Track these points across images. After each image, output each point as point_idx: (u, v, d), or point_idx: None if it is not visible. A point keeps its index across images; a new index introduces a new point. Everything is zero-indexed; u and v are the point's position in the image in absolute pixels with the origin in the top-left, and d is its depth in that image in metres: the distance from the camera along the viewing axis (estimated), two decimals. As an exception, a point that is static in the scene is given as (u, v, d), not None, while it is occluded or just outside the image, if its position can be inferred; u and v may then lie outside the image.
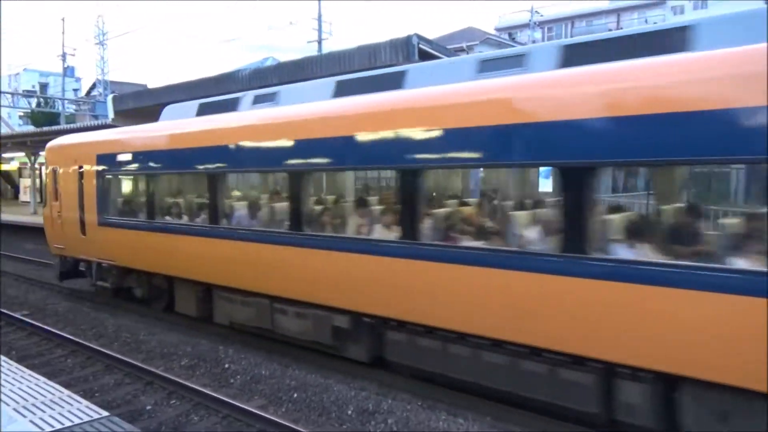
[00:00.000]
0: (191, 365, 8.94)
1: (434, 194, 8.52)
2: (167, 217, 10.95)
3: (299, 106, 8.68)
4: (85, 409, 5.23)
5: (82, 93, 54.25)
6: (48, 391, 5.64)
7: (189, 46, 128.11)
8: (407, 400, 7.37)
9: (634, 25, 47.01)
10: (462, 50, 26.34)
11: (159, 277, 11.30)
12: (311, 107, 8.46)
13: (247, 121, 9.37)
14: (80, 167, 12.65)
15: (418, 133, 6.97)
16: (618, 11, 54.23)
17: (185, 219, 10.83)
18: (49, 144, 14.29)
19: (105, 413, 5.24)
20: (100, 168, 12.05)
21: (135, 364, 8.68)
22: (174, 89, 16.96)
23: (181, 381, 7.94)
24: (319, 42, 35.76)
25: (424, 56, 11.96)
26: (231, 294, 9.63)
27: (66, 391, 5.73)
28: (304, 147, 8.20)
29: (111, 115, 19.67)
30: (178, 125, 10.70)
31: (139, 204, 11.70)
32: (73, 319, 11.90)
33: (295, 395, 7.62)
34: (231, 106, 10.19)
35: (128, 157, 11.36)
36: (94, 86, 51.55)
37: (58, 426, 4.82)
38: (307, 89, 9.20)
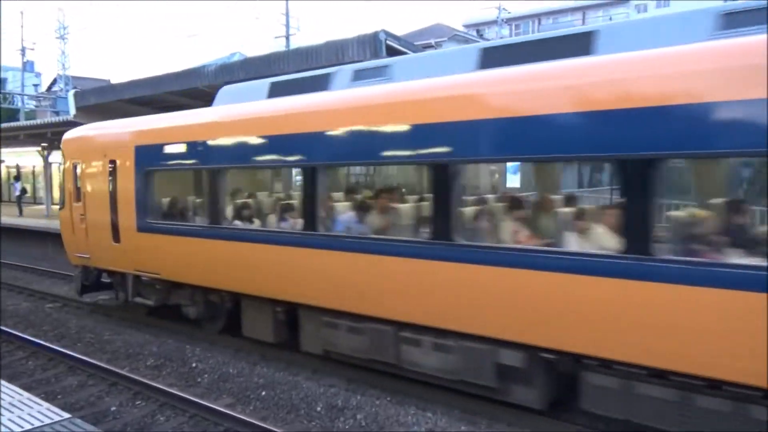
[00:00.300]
0: (157, 365, 8.80)
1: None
2: (237, 222, 9.00)
3: (436, 81, 6.85)
4: (46, 411, 5.13)
5: (43, 88, 52.78)
6: (7, 394, 5.51)
7: (154, 40, 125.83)
8: (376, 396, 7.40)
9: (599, 22, 47.88)
10: (430, 46, 26.45)
11: (218, 294, 9.44)
12: (455, 81, 6.68)
13: (364, 101, 7.41)
14: (112, 162, 10.56)
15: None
16: (583, 9, 55.19)
17: (263, 223, 9.00)
18: (68, 135, 12.04)
19: (67, 415, 5.15)
20: (141, 162, 10.01)
21: (99, 365, 8.51)
22: (137, 85, 16.62)
23: (146, 381, 7.81)
24: (287, 38, 35.50)
25: (392, 52, 11.96)
26: (331, 317, 7.76)
27: (26, 394, 5.61)
28: (455, 132, 6.36)
29: (72, 111, 19.18)
30: (251, 109, 8.73)
31: (195, 205, 9.87)
32: (35, 321, 11.60)
33: (264, 393, 7.58)
34: (319, 84, 8.32)
35: (181, 148, 9.32)
36: (55, 81, 50.29)
37: (17, 429, 4.71)
38: (434, 61, 7.60)
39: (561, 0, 57.24)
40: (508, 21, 52.65)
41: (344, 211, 8.12)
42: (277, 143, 8.08)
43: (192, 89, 14.80)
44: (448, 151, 6.45)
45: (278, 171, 9.70)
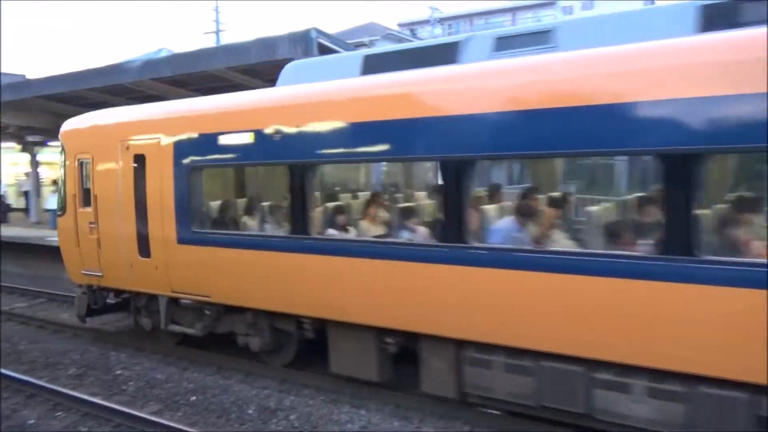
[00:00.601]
0: (79, 374, 8.42)
1: None
2: (331, 230, 7.35)
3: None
4: (-49, 429, 4.81)
5: (-47, 84, 49.40)
6: None
7: (76, 34, 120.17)
8: (310, 396, 7.36)
9: (528, 23, 49.40)
10: (363, 45, 26.50)
11: (289, 320, 7.65)
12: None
13: (559, 72, 5.55)
14: (138, 157, 8.52)
15: None
16: (513, 10, 56.84)
17: (362, 233, 7.33)
18: (69, 124, 9.78)
19: (-24, 431, 4.85)
20: (183, 157, 8.01)
21: (14, 376, 8.05)
22: (56, 80, 15.78)
23: (66, 391, 7.46)
24: (217, 33, 34.75)
25: (324, 51, 11.90)
26: (478, 352, 6.17)
27: (-70, 411, 5.24)
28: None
29: (-16, 107, 18.02)
30: (354, 86, 6.89)
31: (266, 210, 8.17)
32: (-58, 332, 10.86)
33: (193, 398, 7.39)
34: (442, 57, 6.66)
35: (245, 138, 7.42)
36: (-34, 76, 47.19)
37: None
38: (625, 22, 5.90)
39: (492, 0, 58.76)
40: (441, 21, 53.60)
41: (500, 217, 6.54)
42: (400, 130, 6.31)
43: (116, 86, 14.19)
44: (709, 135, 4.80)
45: (391, 167, 8.14)
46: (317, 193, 7.46)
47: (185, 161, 8.00)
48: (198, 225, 8.04)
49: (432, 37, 44.70)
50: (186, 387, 7.74)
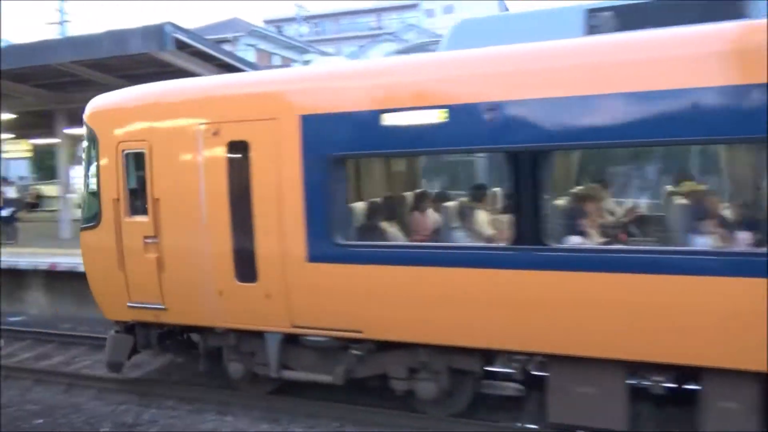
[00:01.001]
0: None
1: None
2: (572, 239, 5.73)
3: None
4: None
5: None
6: None
7: None
8: (173, 407, 7.10)
9: (393, 25, 50.79)
10: (227, 41, 25.87)
11: (469, 358, 6.02)
12: None
13: None
14: (236, 144, 6.35)
15: None
16: (378, 11, 58.23)
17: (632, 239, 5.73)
18: (103, 101, 7.27)
19: None
20: (319, 143, 5.99)
21: None
22: None
23: None
24: (61, 24, 32.10)
25: (181, 46, 11.46)
26: None
27: None
28: None
29: None
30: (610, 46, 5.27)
31: (458, 214, 6.47)
32: None
33: (39, 421, 6.84)
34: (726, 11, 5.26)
35: (433, 116, 5.54)
36: None
37: None
38: None
39: (357, 0, 59.83)
40: (307, 19, 53.67)
41: None
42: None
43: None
44: None
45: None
46: (552, 189, 5.75)
47: (325, 149, 5.97)
48: (344, 235, 6.06)
49: (299, 36, 44.47)
50: (29, 410, 7.13)
